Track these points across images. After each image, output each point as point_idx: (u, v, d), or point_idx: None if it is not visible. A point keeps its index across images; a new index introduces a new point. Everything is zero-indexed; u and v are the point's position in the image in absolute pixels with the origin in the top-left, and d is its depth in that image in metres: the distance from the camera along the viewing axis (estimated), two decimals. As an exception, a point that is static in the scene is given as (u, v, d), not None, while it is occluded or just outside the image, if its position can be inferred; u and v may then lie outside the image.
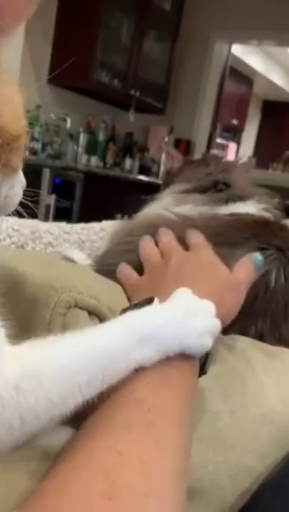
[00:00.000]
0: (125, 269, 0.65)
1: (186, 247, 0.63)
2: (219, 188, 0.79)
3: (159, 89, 4.67)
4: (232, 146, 7.45)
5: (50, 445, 0.39)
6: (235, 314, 0.58)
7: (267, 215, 0.74)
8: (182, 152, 4.84)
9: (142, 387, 0.41)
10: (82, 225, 0.93)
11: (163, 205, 0.78)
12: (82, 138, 4.24)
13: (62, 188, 3.50)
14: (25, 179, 0.42)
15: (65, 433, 0.40)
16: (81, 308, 0.50)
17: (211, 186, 0.80)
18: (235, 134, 7.55)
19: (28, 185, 0.42)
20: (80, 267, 0.70)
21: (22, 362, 0.37)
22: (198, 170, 0.86)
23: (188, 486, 0.41)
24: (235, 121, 7.33)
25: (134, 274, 0.64)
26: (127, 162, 4.67)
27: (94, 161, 4.34)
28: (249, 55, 6.50)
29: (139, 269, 0.64)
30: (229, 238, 0.66)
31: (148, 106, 4.60)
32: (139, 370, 0.41)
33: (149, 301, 0.46)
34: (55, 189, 3.39)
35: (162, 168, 4.70)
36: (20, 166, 0.40)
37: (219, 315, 0.46)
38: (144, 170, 4.70)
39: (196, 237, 0.64)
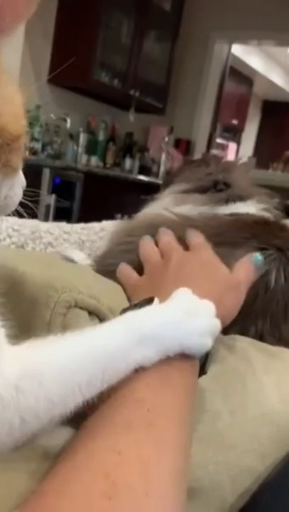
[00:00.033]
0: (125, 269, 0.65)
1: (186, 247, 0.63)
2: (219, 188, 0.79)
3: (159, 89, 4.67)
4: (232, 146, 7.45)
5: (50, 445, 0.39)
6: (235, 314, 0.58)
7: (267, 215, 0.74)
8: (182, 152, 4.84)
9: (142, 387, 0.41)
10: (82, 225, 0.93)
11: (163, 205, 0.78)
12: (82, 138, 4.24)
13: (62, 188, 3.50)
14: (25, 179, 0.42)
15: (65, 433, 0.40)
16: (81, 308, 0.50)
17: (211, 186, 0.80)
18: (235, 134, 7.55)
19: (28, 185, 0.42)
20: (80, 267, 0.70)
21: (22, 362, 0.37)
22: (198, 170, 0.86)
23: (188, 486, 0.41)
24: (235, 121, 7.33)
25: (134, 274, 0.64)
26: (127, 162, 4.67)
27: (94, 161, 4.34)
28: (249, 55, 6.50)
29: (139, 269, 0.64)
30: (229, 238, 0.66)
31: (148, 106, 4.60)
32: (139, 370, 0.41)
33: (149, 301, 0.46)
34: (55, 189, 3.39)
35: (162, 168, 4.70)
36: (20, 166, 0.40)
37: (219, 315, 0.46)
38: (144, 170, 4.70)
39: (196, 237, 0.64)
